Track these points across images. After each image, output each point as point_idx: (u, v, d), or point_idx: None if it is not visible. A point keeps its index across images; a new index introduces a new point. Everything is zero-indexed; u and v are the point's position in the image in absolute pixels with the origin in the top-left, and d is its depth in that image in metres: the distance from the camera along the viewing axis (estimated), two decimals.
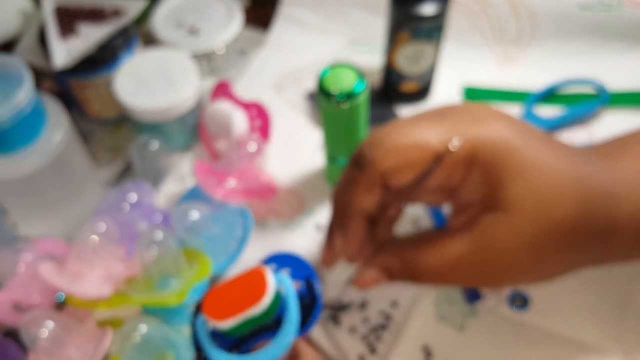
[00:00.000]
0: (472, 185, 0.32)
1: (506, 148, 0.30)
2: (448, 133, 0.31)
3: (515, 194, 0.30)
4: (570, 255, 0.32)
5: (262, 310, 0.30)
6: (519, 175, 0.30)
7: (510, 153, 0.30)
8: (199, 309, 0.33)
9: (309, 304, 0.33)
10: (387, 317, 0.43)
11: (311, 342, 0.40)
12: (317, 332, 0.41)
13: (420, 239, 0.34)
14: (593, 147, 0.35)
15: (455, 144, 0.31)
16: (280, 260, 0.35)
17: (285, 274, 0.33)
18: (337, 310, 0.43)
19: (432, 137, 0.31)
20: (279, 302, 0.32)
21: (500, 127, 0.31)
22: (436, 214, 0.46)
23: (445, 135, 0.31)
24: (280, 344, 0.30)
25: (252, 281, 0.31)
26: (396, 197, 0.34)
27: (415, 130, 0.32)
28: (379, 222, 0.37)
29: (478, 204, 0.32)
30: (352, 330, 0.42)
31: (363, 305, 0.43)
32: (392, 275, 0.34)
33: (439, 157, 0.31)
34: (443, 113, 0.32)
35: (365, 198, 0.33)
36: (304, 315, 0.33)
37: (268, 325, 0.32)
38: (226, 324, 0.29)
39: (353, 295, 0.44)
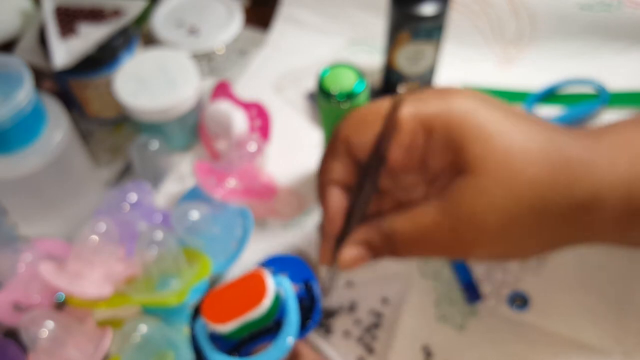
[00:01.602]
0: (436, 152, 0.31)
1: (465, 113, 0.30)
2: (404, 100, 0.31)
3: (476, 154, 0.29)
4: (545, 227, 0.30)
5: (262, 313, 0.30)
6: (480, 136, 0.29)
7: (469, 117, 0.30)
8: (197, 311, 0.33)
9: (308, 306, 0.33)
10: (379, 315, 0.43)
11: (311, 344, 0.40)
12: (312, 339, 0.41)
13: (398, 210, 0.33)
14: (581, 128, 0.33)
15: (400, 93, 0.31)
16: (279, 263, 0.35)
17: (284, 277, 0.32)
18: (327, 317, 0.42)
19: (387, 103, 0.32)
20: (278, 304, 0.32)
21: (461, 98, 0.31)
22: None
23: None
24: (280, 347, 0.30)
25: (252, 284, 0.31)
26: (367, 164, 0.33)
27: (376, 102, 0.33)
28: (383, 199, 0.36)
29: (447, 172, 0.31)
30: (346, 334, 0.42)
31: (352, 308, 0.43)
32: (374, 250, 0.34)
33: (391, 110, 0.31)
34: (410, 91, 0.33)
35: (333, 166, 0.34)
36: (304, 317, 0.33)
37: (268, 328, 0.32)
38: (226, 327, 0.29)
39: (341, 298, 0.43)
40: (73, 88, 0.53)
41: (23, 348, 0.38)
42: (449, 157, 0.31)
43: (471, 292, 0.43)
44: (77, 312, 0.40)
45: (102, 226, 0.40)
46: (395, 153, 0.32)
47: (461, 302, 0.43)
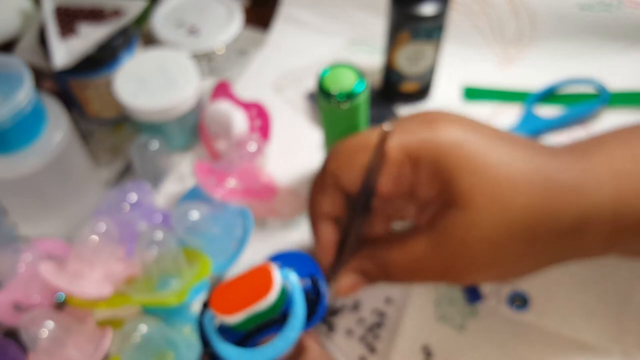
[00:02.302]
0: (424, 183, 0.32)
1: (452, 144, 0.30)
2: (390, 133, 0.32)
3: (465, 188, 0.30)
4: (536, 251, 0.31)
5: (269, 305, 0.30)
6: (468, 169, 0.30)
7: (455, 149, 0.30)
8: (206, 304, 0.34)
9: (314, 300, 0.33)
10: (382, 315, 0.43)
11: (318, 338, 0.40)
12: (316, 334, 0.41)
13: (390, 239, 0.34)
14: (566, 146, 0.34)
15: (386, 128, 0.31)
16: (286, 259, 0.35)
17: (290, 271, 0.33)
18: (330, 315, 0.43)
19: (373, 136, 0.33)
20: (285, 297, 0.32)
21: (447, 127, 0.31)
22: (471, 291, 0.44)
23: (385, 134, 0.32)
24: (286, 338, 0.31)
25: (259, 277, 0.31)
26: (357, 198, 0.34)
27: (363, 134, 0.34)
28: (374, 223, 0.37)
29: (436, 202, 0.32)
30: (349, 333, 0.42)
31: (356, 307, 0.43)
32: (369, 277, 0.35)
33: (378, 143, 0.31)
34: (397, 122, 0.33)
35: (323, 200, 0.35)
36: (309, 311, 0.34)
37: (274, 320, 0.32)
38: (233, 318, 0.30)
39: (345, 298, 0.44)
40: (73, 88, 0.53)
41: (23, 348, 0.38)
42: (437, 188, 0.31)
43: (471, 292, 0.43)
44: (77, 312, 0.40)
45: (102, 226, 0.40)
46: (384, 184, 0.33)
47: (461, 302, 0.43)
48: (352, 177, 0.33)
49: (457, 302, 0.43)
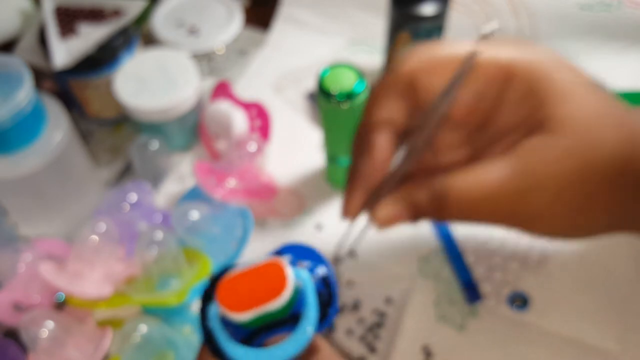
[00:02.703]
0: (511, 105, 0.28)
1: (551, 67, 0.27)
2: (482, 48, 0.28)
3: (561, 114, 0.26)
4: (620, 202, 0.28)
5: (281, 305, 0.29)
6: (566, 95, 0.27)
7: (555, 73, 0.27)
8: (208, 294, 0.32)
9: (327, 299, 0.32)
10: (382, 315, 0.43)
11: (328, 339, 0.39)
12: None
13: (451, 168, 0.30)
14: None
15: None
16: (294, 252, 0.34)
17: (302, 269, 0.32)
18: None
19: (462, 46, 0.28)
20: (296, 296, 0.31)
21: (544, 52, 0.28)
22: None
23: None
24: (298, 341, 0.30)
25: (271, 273, 0.30)
26: (426, 113, 0.29)
27: (449, 43, 0.29)
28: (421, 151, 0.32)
29: (517, 129, 0.28)
30: (349, 332, 0.42)
31: (356, 306, 0.43)
32: (418, 209, 0.30)
33: (470, 57, 0.27)
34: (486, 40, 0.30)
35: (387, 104, 0.30)
36: (321, 311, 0.32)
37: (282, 320, 0.31)
38: (242, 317, 0.28)
39: (345, 297, 0.43)
40: (73, 88, 0.53)
41: (23, 348, 0.38)
42: (524, 112, 0.28)
43: (471, 292, 0.43)
44: (77, 312, 0.40)
45: (102, 226, 0.40)
46: (464, 99, 0.29)
47: (461, 302, 0.43)
48: (432, 84, 0.29)
49: (457, 302, 0.43)
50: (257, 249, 0.45)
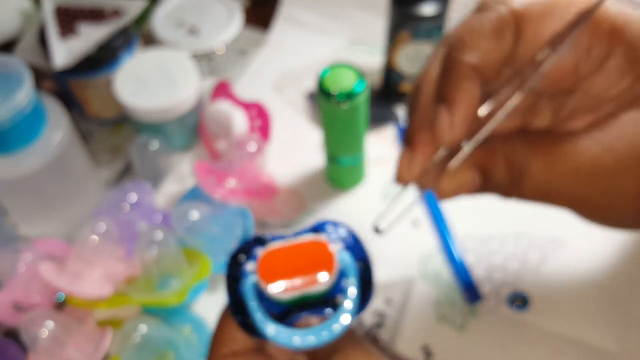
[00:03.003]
0: (611, 72, 0.24)
1: None
2: None
3: None
4: None
5: (325, 289, 0.28)
6: None
7: None
8: (236, 259, 0.30)
9: (366, 283, 0.30)
10: (382, 315, 0.43)
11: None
12: None
13: (531, 138, 0.26)
14: None
15: None
16: (332, 230, 0.32)
17: (345, 252, 0.30)
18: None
19: None
20: (337, 280, 0.29)
21: None
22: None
23: None
24: (335, 327, 0.28)
25: (316, 253, 0.28)
26: (525, 67, 0.25)
27: None
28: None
29: (613, 100, 0.25)
30: None
31: None
32: (491, 182, 0.26)
33: (594, 4, 0.24)
34: None
35: (486, 45, 0.24)
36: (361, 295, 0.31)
37: (318, 301, 0.29)
38: (282, 296, 0.27)
39: None
40: (73, 88, 0.53)
41: (23, 348, 0.38)
42: (626, 83, 0.24)
43: (471, 292, 0.43)
44: (77, 312, 0.40)
45: (102, 226, 0.40)
46: (566, 58, 0.25)
47: (461, 303, 0.43)
48: (541, 32, 0.24)
49: (457, 302, 0.43)
50: None
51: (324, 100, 0.40)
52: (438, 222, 0.47)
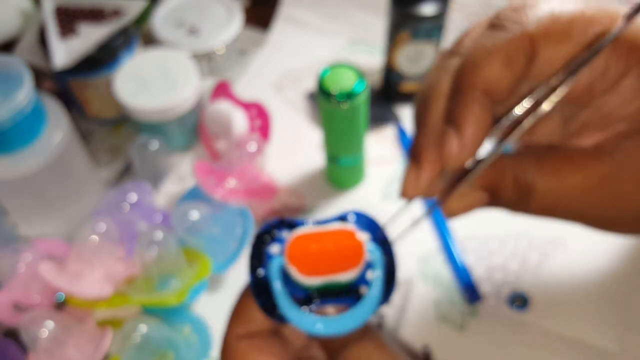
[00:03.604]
0: (627, 89, 0.24)
1: None
2: (616, 13, 0.24)
3: None
4: None
5: (352, 278, 0.28)
6: None
7: None
8: (261, 238, 0.30)
9: (390, 275, 0.30)
10: (382, 315, 0.43)
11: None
12: None
13: (539, 154, 0.26)
14: None
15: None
16: (358, 220, 0.30)
17: (373, 243, 0.30)
18: None
19: (600, 15, 0.24)
20: (363, 271, 0.29)
21: None
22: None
23: (614, 15, 0.23)
24: (357, 317, 0.27)
25: (345, 242, 0.27)
26: (538, 91, 0.25)
27: (581, 9, 0.24)
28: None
29: (624, 120, 0.25)
30: None
31: None
32: (499, 198, 0.27)
33: (624, 23, 0.23)
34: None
35: (498, 69, 0.24)
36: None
37: (342, 290, 0.29)
38: (309, 281, 0.26)
39: None
40: (73, 88, 0.53)
41: (23, 348, 0.38)
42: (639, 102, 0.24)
43: (471, 292, 0.43)
44: (77, 312, 0.40)
45: (102, 226, 0.40)
46: (583, 74, 0.24)
47: (461, 303, 0.43)
48: (556, 57, 0.24)
49: (457, 302, 0.43)
50: None
51: (324, 100, 0.40)
52: (438, 222, 0.47)
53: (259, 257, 0.28)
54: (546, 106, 0.24)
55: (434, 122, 0.26)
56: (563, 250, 0.45)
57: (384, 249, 0.29)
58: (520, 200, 0.26)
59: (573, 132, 0.27)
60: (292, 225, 0.28)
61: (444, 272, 0.45)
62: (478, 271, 0.44)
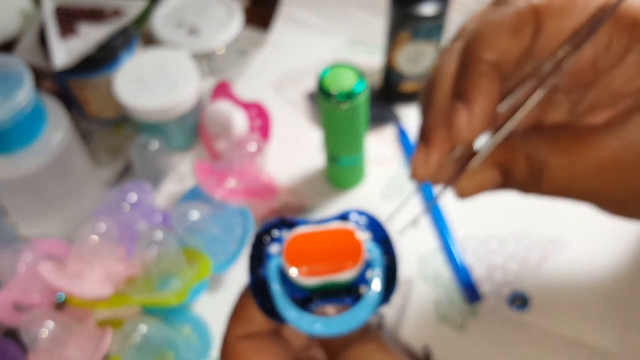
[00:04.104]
0: (632, 65, 0.24)
1: None
2: None
3: None
4: None
5: (350, 278, 0.28)
6: None
7: None
8: (261, 237, 0.30)
9: (390, 275, 0.30)
10: (381, 316, 0.43)
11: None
12: None
13: (551, 133, 0.26)
14: None
15: None
16: (360, 220, 0.30)
17: (372, 243, 0.29)
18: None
19: None
20: (363, 271, 0.29)
21: None
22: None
23: None
24: (355, 318, 0.27)
25: (344, 241, 0.27)
26: (543, 64, 0.25)
27: None
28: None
29: (632, 95, 0.25)
30: None
31: None
32: (511, 179, 0.26)
33: (615, 3, 0.23)
34: None
35: (504, 42, 0.24)
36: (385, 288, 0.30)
37: (340, 290, 0.29)
38: (308, 281, 0.26)
39: None
40: (73, 88, 0.53)
41: (23, 348, 0.38)
42: None
43: (471, 292, 0.43)
44: (77, 312, 0.40)
45: (102, 226, 0.40)
46: (587, 50, 0.24)
47: (461, 302, 0.43)
48: (561, 29, 0.24)
49: (457, 302, 0.43)
50: None
51: (324, 100, 0.40)
52: (438, 222, 0.47)
53: (258, 257, 0.28)
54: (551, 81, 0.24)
55: (441, 101, 0.26)
56: (563, 250, 0.45)
57: (385, 247, 0.28)
58: (533, 179, 0.26)
59: (582, 113, 0.26)
60: (292, 224, 0.28)
61: (444, 272, 0.45)
62: (478, 271, 0.44)
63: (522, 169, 0.26)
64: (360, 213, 0.30)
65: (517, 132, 0.27)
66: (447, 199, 0.48)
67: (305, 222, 0.27)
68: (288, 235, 0.27)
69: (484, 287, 0.43)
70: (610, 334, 0.41)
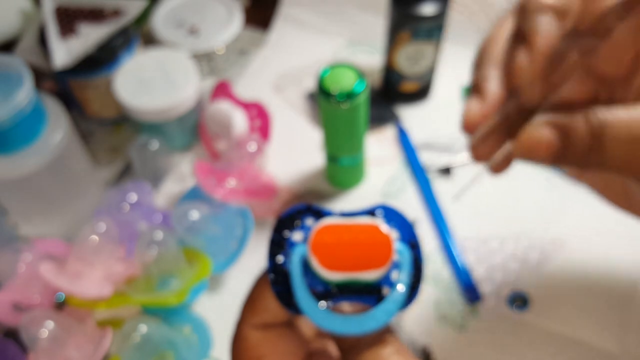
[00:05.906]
0: None
1: None
2: None
3: None
4: None
5: (377, 277, 0.27)
6: None
7: None
8: (282, 222, 0.27)
9: (416, 275, 0.29)
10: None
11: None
12: None
13: (606, 103, 0.25)
14: None
15: None
16: (387, 216, 0.29)
17: (402, 243, 0.28)
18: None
19: None
20: (389, 271, 0.28)
21: None
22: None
23: None
24: (377, 319, 0.26)
25: (373, 238, 0.26)
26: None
27: None
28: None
29: None
30: None
31: None
32: (572, 141, 0.24)
33: None
34: None
35: (506, 25, 0.24)
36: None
37: (363, 288, 0.28)
38: (333, 276, 0.25)
39: None
40: (73, 88, 0.53)
41: (23, 348, 0.38)
42: None
43: (471, 292, 0.43)
44: (77, 312, 0.40)
45: (102, 226, 0.40)
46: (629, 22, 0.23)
47: (461, 302, 0.43)
48: (591, 10, 0.23)
49: (457, 302, 0.43)
50: (257, 249, 0.45)
51: (324, 100, 0.40)
52: (438, 222, 0.47)
53: (279, 243, 0.26)
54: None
55: (497, 53, 0.25)
56: (563, 250, 0.45)
57: (412, 250, 0.27)
58: (595, 141, 0.24)
59: (633, 99, 0.25)
60: (318, 213, 0.27)
61: (444, 272, 0.45)
62: (478, 271, 0.44)
63: (582, 130, 0.24)
64: (389, 209, 0.29)
65: (573, 104, 0.25)
66: (446, 200, 0.48)
67: (332, 213, 0.26)
68: (315, 224, 0.26)
69: (484, 287, 0.43)
70: (610, 334, 0.41)
